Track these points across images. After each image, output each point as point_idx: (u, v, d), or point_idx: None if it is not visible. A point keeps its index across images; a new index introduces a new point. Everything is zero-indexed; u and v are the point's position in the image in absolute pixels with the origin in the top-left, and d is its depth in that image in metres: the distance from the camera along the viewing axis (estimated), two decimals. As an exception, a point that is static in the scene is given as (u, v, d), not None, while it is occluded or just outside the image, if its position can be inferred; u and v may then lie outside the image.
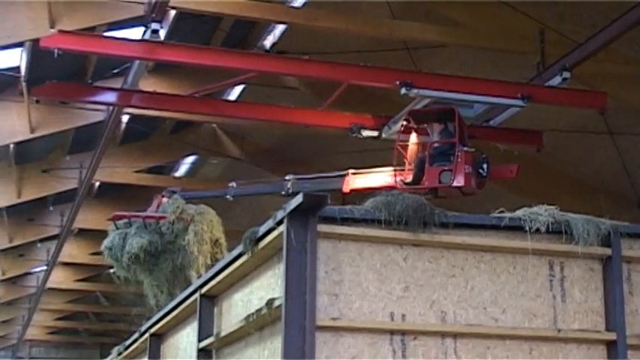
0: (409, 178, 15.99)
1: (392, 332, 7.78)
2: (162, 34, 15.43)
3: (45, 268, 33.08)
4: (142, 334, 13.76)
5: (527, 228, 8.15)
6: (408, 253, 7.97)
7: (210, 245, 16.32)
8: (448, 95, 16.08)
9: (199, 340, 10.22)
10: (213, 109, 19.44)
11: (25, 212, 29.86)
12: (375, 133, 18.10)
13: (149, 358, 13.04)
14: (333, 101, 17.47)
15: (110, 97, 18.49)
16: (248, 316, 8.74)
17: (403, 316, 7.84)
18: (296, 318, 7.54)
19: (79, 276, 39.25)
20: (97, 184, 27.83)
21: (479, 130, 17.66)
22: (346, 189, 16.66)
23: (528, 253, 8.18)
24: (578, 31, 16.13)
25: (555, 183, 20.95)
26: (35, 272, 36.99)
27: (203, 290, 10.21)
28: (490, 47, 17.58)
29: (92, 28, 18.52)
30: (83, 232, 32.06)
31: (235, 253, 9.00)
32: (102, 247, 16.83)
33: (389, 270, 7.89)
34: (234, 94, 22.71)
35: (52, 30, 15.92)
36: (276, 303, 7.95)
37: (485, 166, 15.93)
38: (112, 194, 28.67)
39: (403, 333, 7.80)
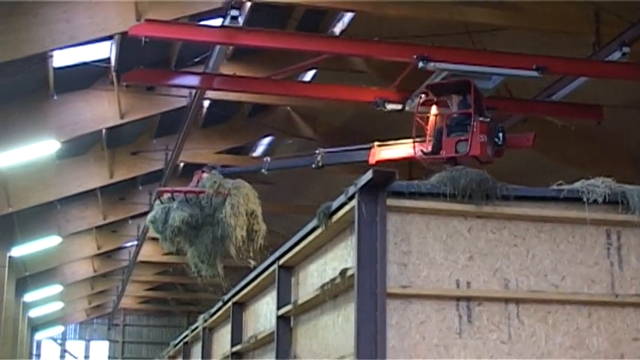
0: (429, 149, 15.81)
1: (458, 299, 7.76)
2: (240, 21, 15.58)
3: (136, 242, 33.51)
4: (225, 303, 13.84)
5: (584, 199, 8.04)
6: (472, 224, 7.93)
7: (246, 217, 16.10)
8: (464, 68, 15.95)
9: (278, 308, 10.25)
10: (286, 89, 19.50)
11: (117, 192, 30.26)
12: (398, 107, 17.95)
13: (232, 324, 13.12)
14: (400, 82, 17.42)
15: (193, 80, 18.72)
16: (323, 285, 8.76)
17: (468, 283, 7.82)
18: (368, 286, 7.54)
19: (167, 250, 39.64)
20: (182, 164, 28.10)
21: (542, 105, 17.31)
22: (372, 160, 16.47)
23: (586, 223, 8.07)
24: (633, 12, 15.81)
25: (611, 156, 20.64)
26: (127, 247, 37.50)
27: (281, 261, 10.24)
28: (548, 29, 17.33)
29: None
30: (170, 210, 32.42)
31: (310, 226, 9.01)
32: (146, 221, 16.90)
33: (454, 240, 7.86)
34: (307, 77, 22.76)
35: (139, 22, 16.06)
36: (349, 272, 7.97)
37: (501, 135, 15.61)
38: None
39: (468, 299, 7.77)
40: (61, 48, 18.76)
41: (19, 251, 31.35)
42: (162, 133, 25.98)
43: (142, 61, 21.43)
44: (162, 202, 16.58)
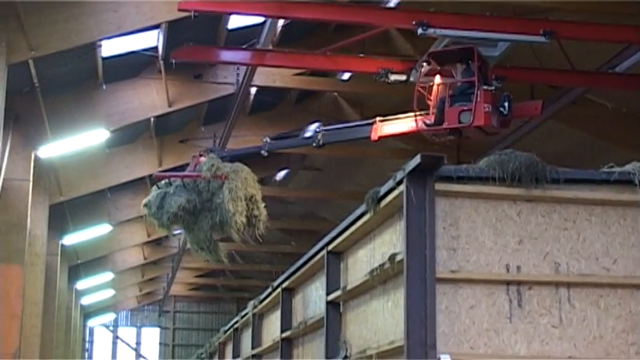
0: (432, 120, 15.24)
1: (508, 283, 7.74)
2: None
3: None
4: (274, 289, 13.90)
5: (636, 182, 7.95)
6: (521, 208, 7.90)
7: (245, 202, 15.60)
8: (466, 34, 15.18)
9: (327, 294, 10.29)
10: (336, 65, 18.85)
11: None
12: (402, 77, 17.05)
13: (281, 310, 13.17)
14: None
15: (244, 55, 18.38)
16: (372, 271, 8.78)
17: (518, 267, 7.79)
18: (417, 271, 7.56)
19: (216, 236, 39.82)
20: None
21: (604, 77, 16.79)
22: (374, 136, 16.07)
23: (638, 206, 7.99)
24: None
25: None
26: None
27: (330, 247, 10.26)
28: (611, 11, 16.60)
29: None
30: (218, 197, 32.59)
31: (359, 212, 9.03)
32: (142, 206, 16.47)
33: (504, 224, 7.84)
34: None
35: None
36: (398, 258, 7.98)
37: (506, 104, 14.94)
38: (243, 161, 28.96)
39: (519, 283, 7.74)
40: (108, 37, 18.91)
41: (71, 239, 31.73)
42: (210, 121, 26.09)
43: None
44: (159, 187, 16.18)
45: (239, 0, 16.11)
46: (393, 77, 16.94)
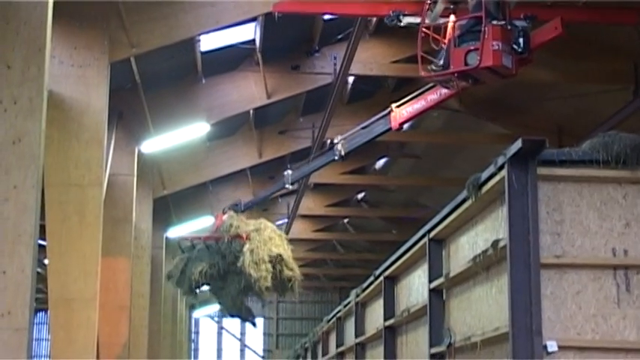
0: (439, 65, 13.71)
1: (615, 267, 7.67)
2: None
3: (286, 220, 33.98)
4: (376, 278, 13.96)
5: None
6: (627, 191, 7.82)
7: (269, 264, 14.94)
8: None
9: (430, 281, 10.33)
10: (343, 9, 16.85)
11: (266, 171, 30.73)
12: (417, 19, 14.62)
13: (384, 298, 13.25)
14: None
15: (356, 8, 16.91)
16: (475, 257, 8.79)
17: (625, 251, 7.72)
18: (521, 257, 7.57)
19: (317, 226, 40.10)
20: (329, 141, 28.30)
21: None
22: (395, 125, 15.36)
23: None
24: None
25: None
26: (278, 225, 38.07)
27: (431, 234, 10.30)
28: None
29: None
30: (319, 187, 32.76)
31: (460, 198, 9.06)
32: (164, 278, 16.04)
33: (609, 208, 7.78)
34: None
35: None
36: (501, 244, 7.99)
37: (521, 40, 13.21)
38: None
39: (626, 267, 7.67)
40: (207, 32, 19.15)
41: (175, 232, 32.25)
42: (308, 111, 26.23)
43: (286, 40, 21.74)
44: (183, 251, 15.73)
45: (332, 1, 16.14)
46: (405, 20, 14.86)
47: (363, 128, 16.03)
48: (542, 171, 7.69)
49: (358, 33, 17.09)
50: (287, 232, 34.43)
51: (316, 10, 16.33)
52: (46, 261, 17.56)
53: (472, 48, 13.05)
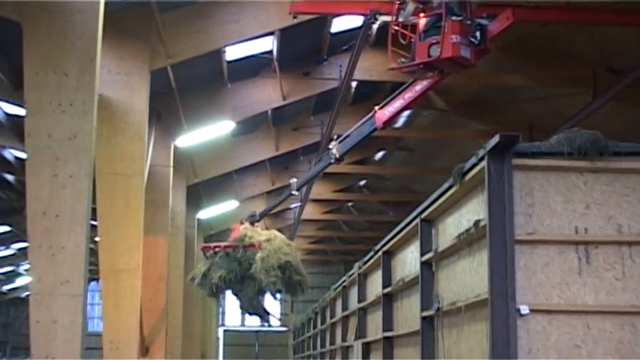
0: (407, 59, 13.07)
1: (577, 243, 7.67)
2: None
3: (299, 204, 33.97)
4: (376, 252, 13.91)
5: (686, 153, 7.80)
6: (587, 178, 7.80)
7: (279, 270, 14.44)
8: None
9: (421, 255, 10.32)
10: (325, 8, 16.28)
11: (282, 162, 30.74)
12: (389, 18, 13.93)
13: (382, 270, 13.21)
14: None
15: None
16: (459, 235, 8.79)
17: (586, 229, 7.71)
18: (498, 234, 7.56)
19: (325, 209, 40.09)
20: (335, 137, 28.24)
21: (601, 13, 14.16)
22: (380, 124, 14.56)
23: (689, 174, 7.84)
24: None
25: None
26: (292, 208, 38.01)
27: (423, 216, 10.28)
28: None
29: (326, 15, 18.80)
30: (327, 175, 32.71)
31: (446, 185, 9.04)
32: (189, 279, 15.60)
33: (572, 193, 7.76)
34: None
35: (296, 19, 16.15)
36: (482, 223, 7.98)
37: (478, 33, 12.67)
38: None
39: (586, 243, 7.67)
40: (232, 44, 19.16)
41: (204, 214, 32.34)
42: (318, 111, 26.20)
43: (299, 51, 21.73)
44: (207, 258, 15.41)
45: (343, 2, 15.59)
46: (381, 18, 14.25)
47: (354, 130, 15.35)
48: (517, 162, 7.67)
49: (360, 44, 17.04)
50: (300, 215, 34.67)
51: (328, 9, 15.80)
52: (97, 238, 17.65)
53: (434, 41, 12.55)
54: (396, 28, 13.35)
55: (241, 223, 15.95)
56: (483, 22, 12.97)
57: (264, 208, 18.27)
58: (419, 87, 14.09)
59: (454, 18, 12.45)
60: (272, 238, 14.87)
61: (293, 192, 16.91)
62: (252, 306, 15.20)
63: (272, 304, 19.57)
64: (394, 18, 13.41)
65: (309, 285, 15.50)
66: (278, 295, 15.44)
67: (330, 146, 15.40)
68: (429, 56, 12.55)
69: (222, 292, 15.37)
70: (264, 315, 15.49)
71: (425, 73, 13.25)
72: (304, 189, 26.99)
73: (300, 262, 14.98)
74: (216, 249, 15.40)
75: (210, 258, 15.37)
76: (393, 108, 14.46)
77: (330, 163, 15.69)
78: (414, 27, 13.21)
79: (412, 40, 13.06)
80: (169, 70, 19.00)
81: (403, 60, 13.18)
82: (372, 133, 14.97)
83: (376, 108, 14.65)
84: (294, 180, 17.12)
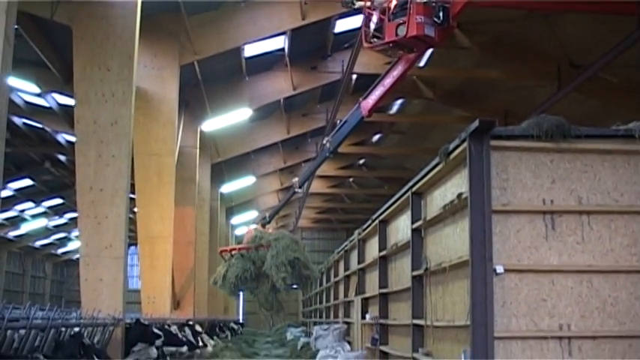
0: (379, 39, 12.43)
1: (544, 213, 7.72)
2: None
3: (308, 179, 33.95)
4: (373, 221, 13.92)
5: (636, 136, 7.82)
6: (553, 157, 7.84)
7: (289, 266, 13.91)
8: None
9: (412, 223, 10.36)
10: None
11: (293, 144, 30.72)
12: (367, 3, 13.08)
13: (379, 236, 13.25)
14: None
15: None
16: (445, 206, 8.85)
17: (551, 201, 7.76)
18: (478, 205, 7.60)
19: (330, 184, 40.10)
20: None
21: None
22: (366, 113, 14.03)
23: (638, 154, 7.89)
24: None
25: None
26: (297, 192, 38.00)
27: (413, 189, 10.30)
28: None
29: (330, 17, 18.75)
30: (331, 155, 32.68)
31: (434, 163, 9.06)
32: (211, 282, 15.05)
33: (540, 170, 7.80)
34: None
35: (304, 21, 16.10)
36: (464, 195, 8.03)
37: (441, 14, 11.96)
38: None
39: (552, 213, 7.72)
40: (249, 42, 19.16)
41: (226, 188, 32.42)
42: (323, 100, 26.16)
43: (307, 48, 21.70)
44: (225, 260, 14.88)
45: None
46: (358, 3, 13.33)
47: (344, 124, 14.72)
48: (493, 143, 7.69)
49: (359, 43, 17.03)
50: (308, 189, 34.67)
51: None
52: (135, 209, 17.79)
53: (401, 22, 12.07)
54: (369, 11, 12.85)
55: (263, 226, 15.27)
56: (447, 4, 12.27)
57: (271, 210, 17.66)
58: (395, 72, 13.60)
59: (419, 0, 11.96)
60: (280, 237, 14.45)
61: (296, 190, 16.50)
62: (268, 301, 14.66)
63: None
64: (371, 2, 12.89)
65: (317, 278, 14.81)
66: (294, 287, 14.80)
67: (324, 141, 14.87)
68: (397, 35, 12.11)
69: (240, 290, 14.96)
70: (279, 309, 14.97)
71: (395, 51, 12.75)
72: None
73: (308, 257, 14.48)
74: (233, 252, 15.00)
75: (227, 260, 14.91)
76: (375, 96, 14.03)
77: (326, 157, 15.09)
78: (383, 11, 12.66)
79: (382, 21, 12.58)
80: (196, 65, 19.04)
81: (374, 40, 12.68)
82: (360, 122, 14.35)
83: (360, 99, 14.19)
84: (296, 179, 16.82)
